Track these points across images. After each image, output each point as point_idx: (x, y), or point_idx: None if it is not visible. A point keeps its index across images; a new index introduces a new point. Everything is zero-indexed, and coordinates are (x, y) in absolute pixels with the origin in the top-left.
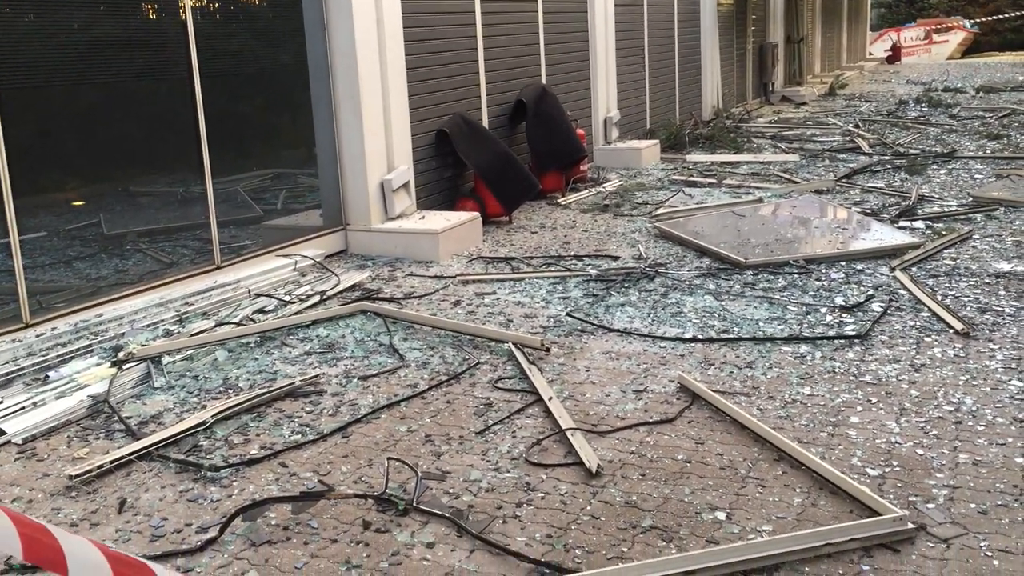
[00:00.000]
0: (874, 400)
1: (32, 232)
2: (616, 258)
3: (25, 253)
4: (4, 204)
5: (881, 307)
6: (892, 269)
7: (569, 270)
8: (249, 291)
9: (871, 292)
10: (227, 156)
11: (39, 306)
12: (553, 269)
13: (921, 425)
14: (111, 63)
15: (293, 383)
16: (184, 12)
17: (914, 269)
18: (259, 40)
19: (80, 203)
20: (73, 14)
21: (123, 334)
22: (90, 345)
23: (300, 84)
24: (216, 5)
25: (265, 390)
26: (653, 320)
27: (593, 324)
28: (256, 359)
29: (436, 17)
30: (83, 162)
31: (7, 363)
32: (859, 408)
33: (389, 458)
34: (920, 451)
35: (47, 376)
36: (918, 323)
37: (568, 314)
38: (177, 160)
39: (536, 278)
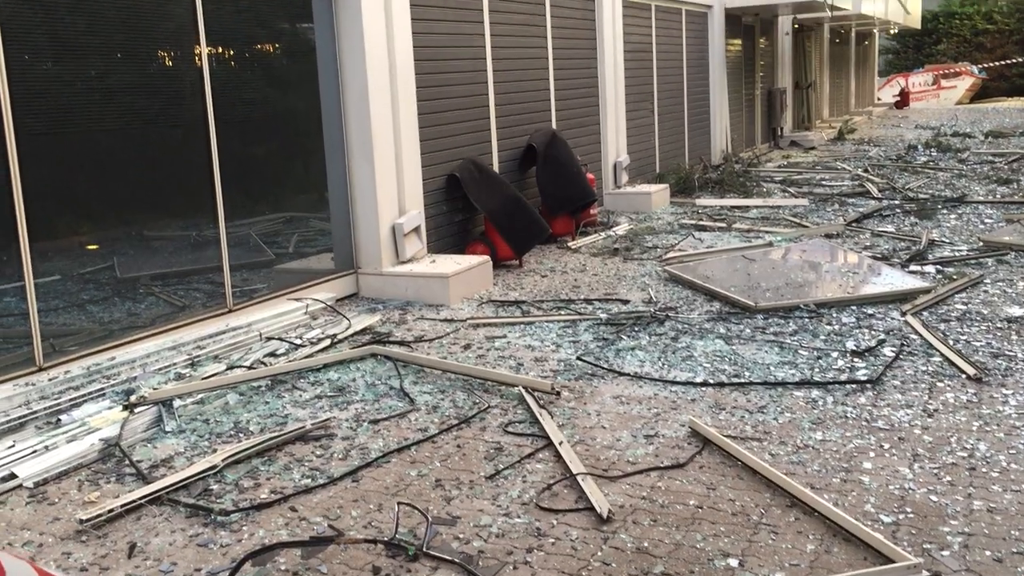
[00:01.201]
0: (887, 446)
1: (47, 276)
2: (626, 302)
3: (40, 297)
4: (20, 248)
5: (893, 352)
6: (903, 313)
7: (579, 314)
8: (261, 334)
9: (882, 337)
10: (240, 200)
11: (52, 349)
12: (563, 313)
13: (935, 471)
14: (127, 109)
15: (304, 427)
16: (200, 59)
17: (925, 314)
18: (273, 87)
19: (94, 247)
20: (90, 61)
21: (135, 377)
22: (102, 389)
23: (313, 129)
24: (232, 52)
25: (276, 434)
26: (664, 364)
27: (603, 368)
28: (267, 402)
29: (448, 64)
30: (98, 206)
31: (20, 407)
32: (872, 454)
33: (399, 503)
34: (934, 498)
35: (59, 420)
36: (930, 368)
37: (578, 358)
38: (191, 204)
39: (546, 322)
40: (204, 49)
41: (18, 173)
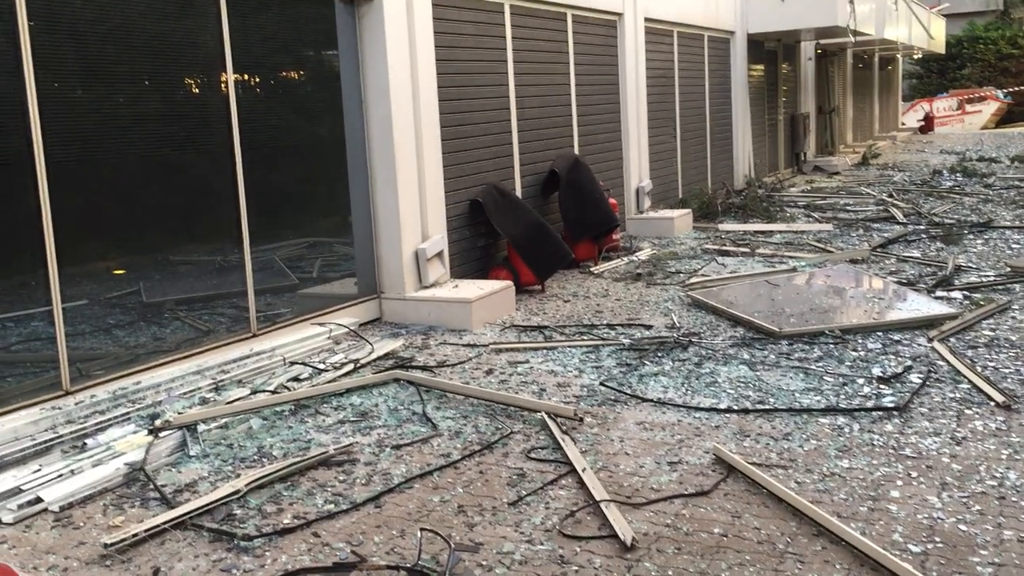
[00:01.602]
0: (915, 474)
1: (74, 300)
2: (649, 327)
3: (67, 321)
4: (49, 273)
5: (920, 379)
6: (930, 340)
7: (602, 339)
8: (284, 359)
9: (909, 363)
10: (265, 225)
11: (79, 373)
12: (586, 338)
13: (964, 500)
14: (155, 136)
15: (327, 452)
16: (227, 87)
17: (952, 340)
18: (298, 113)
19: (121, 272)
20: (119, 89)
21: (160, 402)
22: (128, 413)
23: (337, 155)
24: (258, 79)
25: (299, 459)
26: (687, 390)
27: (627, 394)
28: (290, 427)
29: (470, 90)
30: (125, 231)
31: (46, 430)
32: (899, 482)
33: (422, 529)
34: (963, 527)
35: (85, 444)
36: (958, 395)
37: (602, 383)
38: (217, 229)
39: (569, 347)
40: (231, 76)
41: (47, 199)
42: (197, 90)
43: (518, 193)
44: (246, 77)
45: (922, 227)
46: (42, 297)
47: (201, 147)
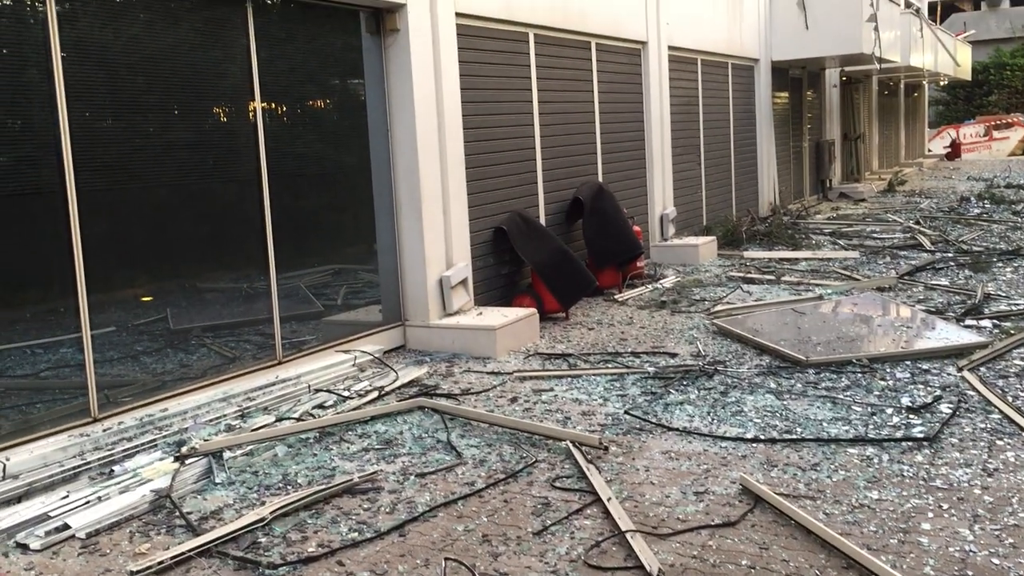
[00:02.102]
0: (946, 506)
1: (102, 327)
2: (674, 355)
3: (96, 348)
4: (79, 301)
5: (950, 408)
6: (959, 369)
7: (627, 367)
8: (309, 386)
9: (938, 393)
10: (291, 253)
11: (107, 400)
12: (611, 366)
13: (996, 533)
14: (184, 165)
15: (351, 480)
16: (255, 115)
17: (983, 369)
18: (325, 142)
19: (148, 299)
20: (148, 118)
21: (186, 429)
22: (154, 440)
23: (363, 183)
24: (285, 108)
25: (323, 487)
26: (713, 419)
27: (652, 423)
28: (315, 455)
29: (495, 118)
30: (153, 259)
31: (74, 457)
32: (930, 514)
33: (446, 558)
34: (996, 560)
35: (112, 471)
36: (989, 425)
37: (626, 412)
38: (243, 257)
39: (594, 375)
40: (259, 106)
41: (78, 227)
42: (225, 119)
43: (542, 221)
44: (274, 106)
45: (950, 255)
46: (71, 324)
47: (229, 175)
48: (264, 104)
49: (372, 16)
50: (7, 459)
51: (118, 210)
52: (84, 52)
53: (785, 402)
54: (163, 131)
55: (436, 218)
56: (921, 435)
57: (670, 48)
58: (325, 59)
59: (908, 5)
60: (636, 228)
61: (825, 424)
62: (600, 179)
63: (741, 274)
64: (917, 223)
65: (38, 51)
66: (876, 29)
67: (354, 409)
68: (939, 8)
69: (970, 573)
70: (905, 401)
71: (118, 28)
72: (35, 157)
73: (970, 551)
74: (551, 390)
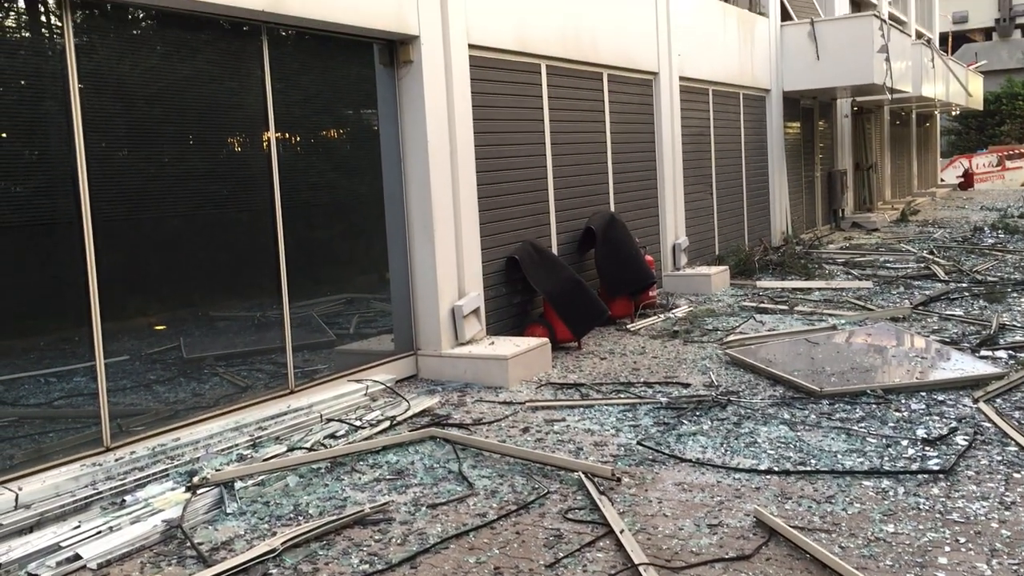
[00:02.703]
0: (963, 540)
1: (116, 356)
2: (687, 385)
3: (109, 377)
4: (93, 329)
5: (966, 440)
6: (975, 400)
7: (639, 397)
8: (321, 416)
9: (954, 424)
10: (304, 282)
11: (119, 429)
12: (623, 396)
13: (1015, 568)
14: (199, 194)
15: (362, 510)
16: (269, 146)
17: (999, 400)
18: (338, 171)
19: (162, 327)
20: (164, 148)
21: (198, 458)
22: (166, 469)
23: (375, 212)
24: (299, 139)
25: (334, 517)
26: (726, 450)
27: (665, 454)
28: (326, 485)
29: (507, 148)
30: (168, 288)
31: (86, 487)
32: (947, 548)
33: None
34: None
35: (124, 500)
36: (1005, 458)
37: (639, 443)
38: (257, 286)
39: (606, 405)
40: (273, 136)
41: (93, 257)
42: (240, 150)
43: (554, 250)
44: (288, 136)
45: (964, 285)
46: (85, 353)
47: (243, 205)
48: (278, 134)
49: (386, 48)
50: (19, 488)
51: (133, 239)
52: (101, 83)
53: (799, 433)
54: (178, 161)
55: (449, 247)
56: (937, 467)
57: (681, 78)
58: (339, 90)
59: (919, 36)
60: (648, 257)
61: (840, 456)
62: (612, 208)
63: (754, 304)
64: (931, 253)
65: (56, 83)
66: (887, 60)
67: (366, 439)
68: (950, 38)
69: None
70: (920, 433)
71: (135, 60)
72: (52, 187)
73: None
74: (563, 420)
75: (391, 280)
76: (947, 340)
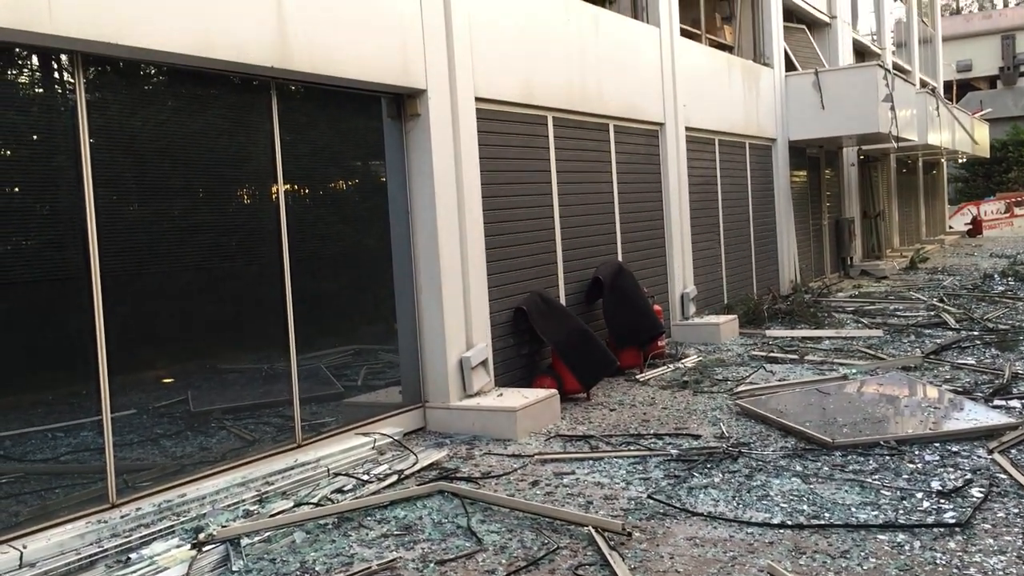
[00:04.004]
0: None
1: (123, 410)
2: (697, 437)
3: (116, 431)
4: (100, 383)
5: (981, 493)
6: (990, 451)
7: (649, 449)
8: (328, 470)
9: (969, 476)
10: (312, 333)
11: (125, 485)
12: (633, 448)
13: None
14: (207, 247)
15: (369, 568)
16: (277, 198)
17: (1014, 451)
18: (346, 223)
19: (169, 380)
20: (173, 202)
21: (204, 514)
22: (172, 526)
23: (383, 264)
24: (307, 191)
25: (341, 575)
26: (738, 504)
27: (676, 507)
28: (333, 541)
29: (514, 199)
30: (175, 341)
31: (91, 544)
32: None
33: None
34: None
35: (129, 558)
36: (1022, 510)
37: (650, 496)
38: (264, 338)
39: (616, 457)
40: (281, 188)
41: (101, 311)
42: (249, 202)
43: (562, 300)
44: (296, 188)
45: (975, 333)
46: (92, 407)
47: (251, 257)
48: (287, 186)
49: (393, 101)
50: (24, 547)
51: (141, 293)
52: (112, 138)
53: (812, 486)
54: (187, 214)
55: (456, 299)
56: (953, 521)
57: (687, 129)
58: (347, 143)
59: (923, 84)
60: (656, 307)
61: (854, 509)
62: (620, 258)
63: (763, 353)
64: (941, 301)
65: (67, 137)
66: (892, 108)
67: (373, 493)
68: (955, 87)
69: None
70: (935, 485)
71: (146, 115)
72: (61, 241)
73: None
74: (572, 473)
75: (399, 331)
76: (960, 389)
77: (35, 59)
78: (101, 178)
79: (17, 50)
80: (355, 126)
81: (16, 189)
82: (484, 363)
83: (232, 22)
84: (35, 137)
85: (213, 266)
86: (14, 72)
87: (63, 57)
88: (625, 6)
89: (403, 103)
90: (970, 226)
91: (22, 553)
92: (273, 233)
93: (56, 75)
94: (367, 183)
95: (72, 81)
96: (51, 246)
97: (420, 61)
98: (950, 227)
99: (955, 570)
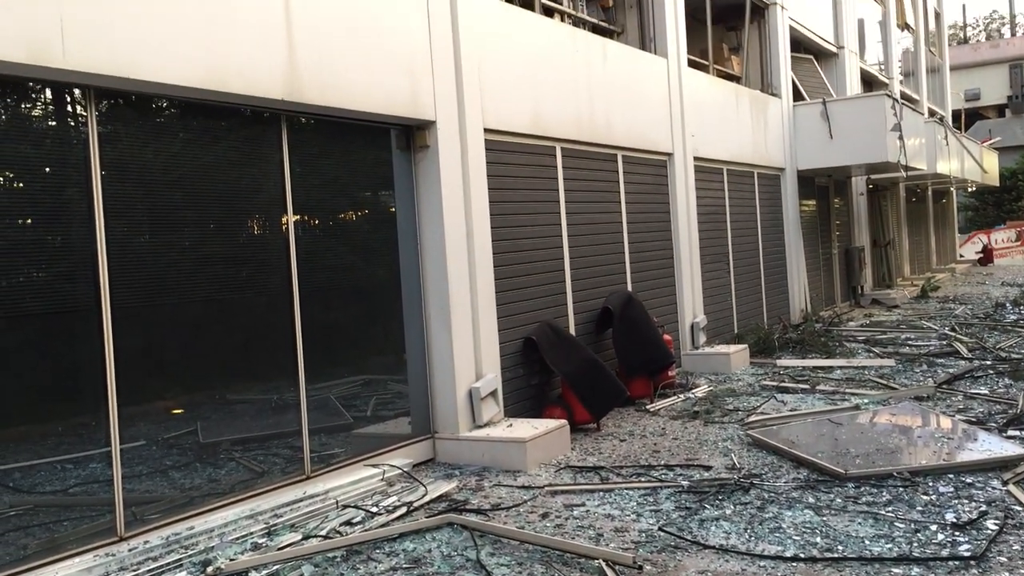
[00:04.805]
0: None
1: (132, 441)
2: (708, 468)
3: (124, 463)
4: (109, 414)
5: (996, 525)
6: (1004, 483)
7: (660, 481)
8: (337, 502)
9: (984, 508)
10: (321, 364)
11: (134, 517)
12: (643, 479)
13: None
14: (217, 278)
15: None
16: (287, 229)
17: None
18: (355, 254)
19: (179, 411)
20: (184, 233)
21: (213, 547)
22: (180, 560)
23: (392, 294)
24: (317, 222)
25: None
26: (750, 536)
27: (687, 540)
28: (342, 574)
29: (523, 229)
30: (185, 372)
31: None
32: None
33: None
34: None
35: None
36: None
37: (661, 528)
38: (274, 368)
39: (626, 489)
40: (291, 220)
41: (111, 342)
42: (258, 233)
43: (572, 330)
44: (306, 219)
45: (988, 362)
46: (101, 438)
47: (260, 288)
48: (296, 217)
49: (403, 133)
50: None
51: (151, 324)
52: (123, 171)
53: (825, 518)
54: (198, 246)
55: (465, 329)
56: (968, 553)
57: (696, 159)
58: (356, 174)
59: (932, 113)
60: (667, 337)
61: (867, 542)
62: (629, 288)
63: (775, 383)
64: (953, 330)
65: (79, 170)
66: (901, 138)
67: (382, 526)
68: (963, 116)
69: None
70: (950, 517)
71: (157, 147)
72: (72, 273)
73: None
74: (583, 505)
75: (408, 362)
76: (973, 420)
77: (48, 93)
78: (112, 210)
79: (31, 84)
80: (365, 157)
81: (28, 221)
82: (494, 394)
83: (243, 55)
84: (47, 170)
85: (223, 297)
86: (27, 106)
87: (76, 91)
88: (633, 37)
89: (412, 135)
90: (981, 255)
91: None
92: (283, 264)
93: (69, 108)
94: (376, 214)
95: (84, 114)
96: (62, 278)
97: (429, 93)
98: (961, 255)
99: None
